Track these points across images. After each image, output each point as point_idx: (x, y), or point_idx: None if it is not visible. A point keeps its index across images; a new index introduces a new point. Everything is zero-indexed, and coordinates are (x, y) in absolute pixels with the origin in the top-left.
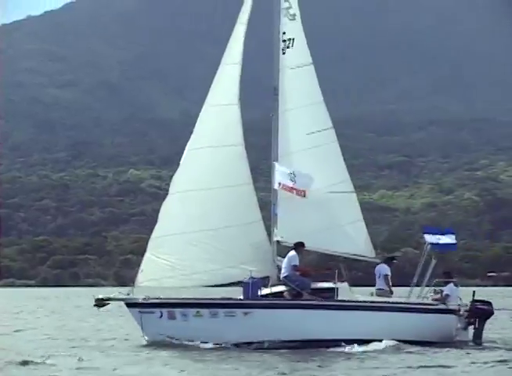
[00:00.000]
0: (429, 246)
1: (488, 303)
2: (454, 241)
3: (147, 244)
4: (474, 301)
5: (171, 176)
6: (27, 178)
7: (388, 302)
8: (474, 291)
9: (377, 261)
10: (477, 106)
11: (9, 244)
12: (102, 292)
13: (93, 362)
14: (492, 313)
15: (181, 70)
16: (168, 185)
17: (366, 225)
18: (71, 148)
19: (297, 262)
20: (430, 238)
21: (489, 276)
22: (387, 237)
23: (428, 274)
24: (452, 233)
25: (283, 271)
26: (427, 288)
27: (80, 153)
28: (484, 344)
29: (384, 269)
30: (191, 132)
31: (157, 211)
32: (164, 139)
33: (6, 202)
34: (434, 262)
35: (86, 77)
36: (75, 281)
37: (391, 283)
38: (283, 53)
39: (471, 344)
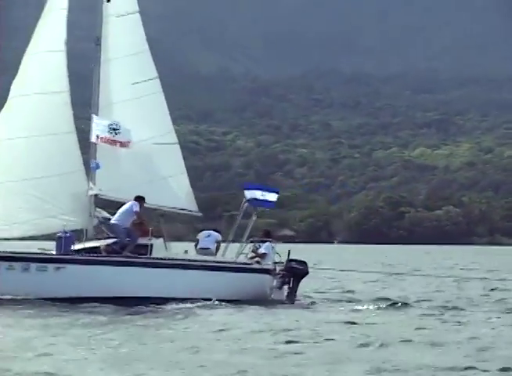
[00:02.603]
0: (246, 203)
1: (303, 263)
2: (274, 199)
3: None
4: (289, 260)
5: (210, 132)
6: None
7: (201, 261)
8: (289, 251)
9: (199, 214)
10: None
11: None
12: None
13: None
14: (307, 273)
15: (220, 25)
16: (208, 140)
17: (405, 183)
18: None
19: (138, 209)
20: (249, 194)
21: None
22: (426, 195)
23: (248, 231)
24: (276, 192)
25: (115, 217)
26: (247, 245)
27: None
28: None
29: (215, 233)
30: (230, 89)
31: (196, 167)
32: (202, 94)
33: None
34: (254, 218)
35: None
36: None
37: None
38: (108, 1)
39: (286, 302)
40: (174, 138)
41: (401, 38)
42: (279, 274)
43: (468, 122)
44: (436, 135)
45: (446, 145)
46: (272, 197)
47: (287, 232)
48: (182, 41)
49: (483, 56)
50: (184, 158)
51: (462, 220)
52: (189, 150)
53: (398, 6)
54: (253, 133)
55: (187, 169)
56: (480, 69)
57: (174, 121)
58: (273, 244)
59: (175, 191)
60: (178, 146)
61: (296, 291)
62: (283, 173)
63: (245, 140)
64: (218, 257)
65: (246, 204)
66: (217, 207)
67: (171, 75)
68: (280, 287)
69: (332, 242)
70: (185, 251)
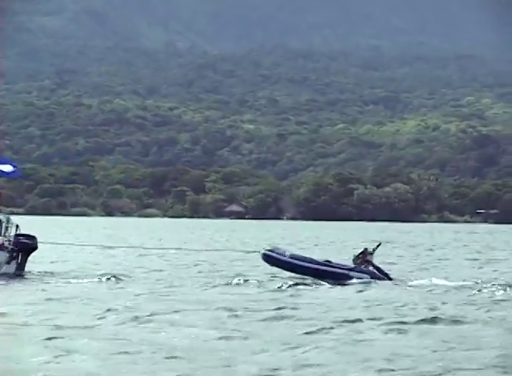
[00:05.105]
0: None
1: (33, 237)
2: (11, 169)
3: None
4: (17, 235)
5: (157, 106)
6: (12, 106)
7: None
8: (17, 225)
9: None
10: (462, 43)
11: None
12: (90, 222)
13: None
14: (36, 248)
15: (166, 0)
16: (155, 115)
17: (352, 160)
18: (56, 76)
19: None
20: None
21: (478, 213)
22: (373, 172)
23: None
24: (11, 164)
25: None
26: None
27: (65, 81)
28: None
29: None
30: (177, 64)
31: (143, 142)
32: (148, 69)
33: None
34: None
35: (71, 4)
36: (63, 210)
37: None
38: None
39: (14, 276)
40: None
41: (346, 16)
42: (7, 248)
43: (415, 99)
44: (383, 112)
45: (393, 122)
46: (7, 168)
47: (236, 208)
48: (129, 16)
49: (428, 35)
50: (131, 133)
51: (411, 197)
52: (135, 125)
53: None
54: (200, 108)
55: (133, 144)
56: (425, 47)
57: (121, 95)
58: (7, 217)
59: None
60: None
61: (24, 266)
62: (230, 149)
63: (192, 115)
64: None
65: None
66: (165, 182)
67: (118, 50)
68: (9, 262)
69: (281, 218)
70: None
